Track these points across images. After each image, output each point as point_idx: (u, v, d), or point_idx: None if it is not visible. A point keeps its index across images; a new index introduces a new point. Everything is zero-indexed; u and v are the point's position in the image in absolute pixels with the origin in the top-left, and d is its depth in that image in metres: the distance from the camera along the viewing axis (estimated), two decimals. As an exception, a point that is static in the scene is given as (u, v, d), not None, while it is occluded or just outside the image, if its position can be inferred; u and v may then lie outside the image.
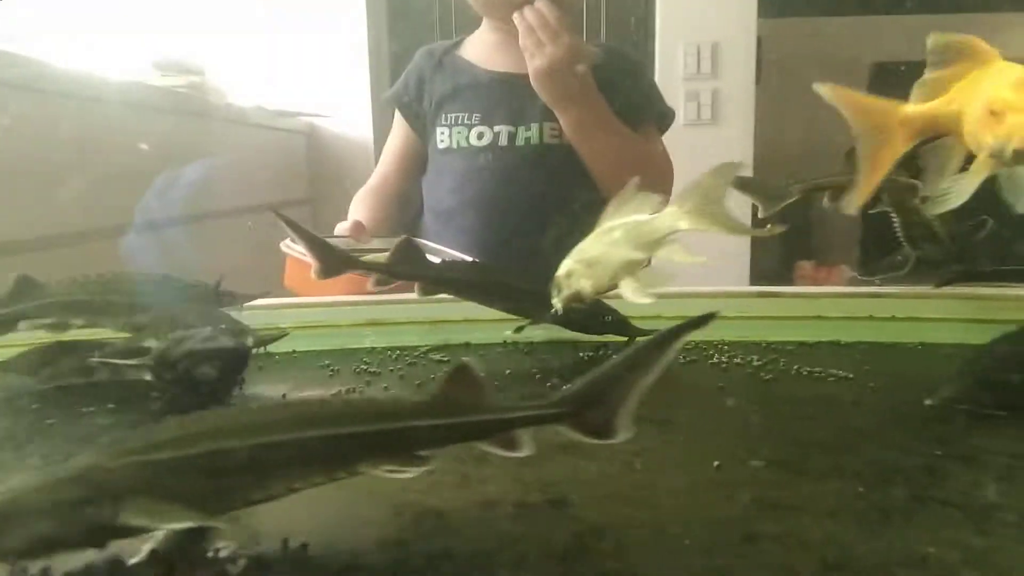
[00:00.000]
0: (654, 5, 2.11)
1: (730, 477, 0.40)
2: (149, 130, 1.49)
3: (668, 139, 1.10)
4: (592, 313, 0.61)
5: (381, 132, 2.23)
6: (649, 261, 0.49)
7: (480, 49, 1.10)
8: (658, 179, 1.02)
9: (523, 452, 0.34)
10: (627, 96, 1.03)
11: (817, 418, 0.49)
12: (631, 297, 0.48)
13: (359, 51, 2.20)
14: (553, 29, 0.92)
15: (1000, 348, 0.51)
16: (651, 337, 0.35)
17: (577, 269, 0.51)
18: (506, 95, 1.05)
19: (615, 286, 0.49)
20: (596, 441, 0.34)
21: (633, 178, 0.51)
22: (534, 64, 0.94)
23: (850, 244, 2.36)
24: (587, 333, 0.64)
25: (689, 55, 2.08)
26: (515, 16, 0.94)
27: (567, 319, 0.60)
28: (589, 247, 0.51)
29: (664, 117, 1.10)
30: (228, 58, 2.06)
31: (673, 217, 0.46)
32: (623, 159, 0.99)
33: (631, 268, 0.48)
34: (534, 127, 1.03)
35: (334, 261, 0.58)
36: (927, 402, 0.48)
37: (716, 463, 0.41)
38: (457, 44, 1.12)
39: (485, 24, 1.10)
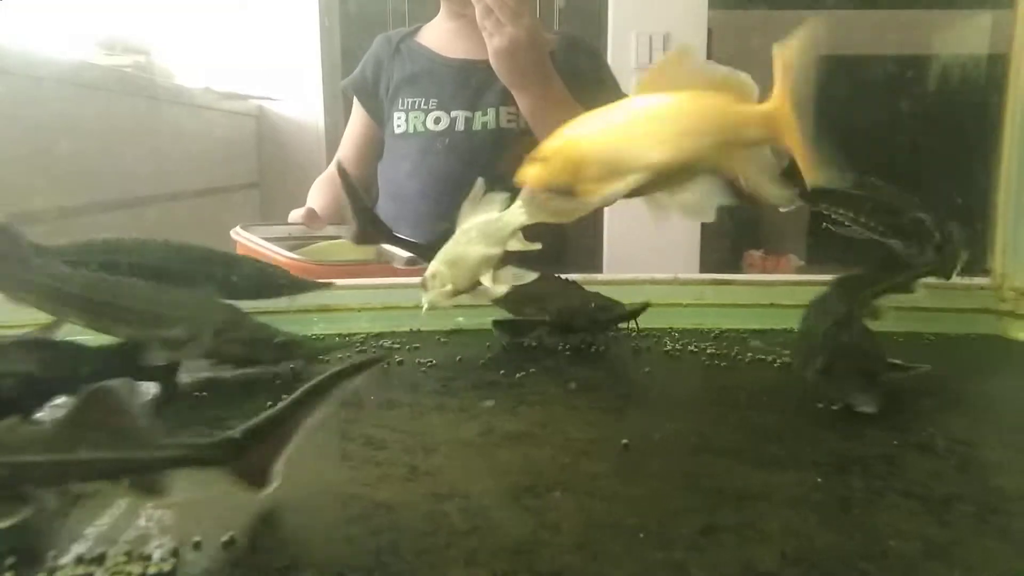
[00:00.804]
0: (607, -6, 2.12)
1: (687, 468, 0.41)
2: (93, 110, 1.44)
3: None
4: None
5: (332, 115, 2.20)
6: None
7: (437, 36, 1.10)
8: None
9: (263, 490, 0.32)
10: (583, 82, 1.03)
11: (772, 407, 0.50)
12: (491, 291, 0.52)
13: (310, 33, 2.16)
14: (512, 9, 0.91)
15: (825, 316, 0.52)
16: (313, 383, 0.33)
17: (441, 270, 0.53)
18: (463, 80, 1.05)
19: (478, 282, 0.52)
20: (246, 491, 0.32)
21: (479, 179, 0.55)
22: (493, 43, 0.93)
23: (798, 233, 2.42)
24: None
25: (641, 45, 2.10)
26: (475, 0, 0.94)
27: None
28: (451, 248, 0.54)
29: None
30: (176, 38, 2.00)
31: (517, 213, 0.51)
32: None
33: (488, 263, 0.52)
34: (491, 112, 1.03)
35: (372, 233, 0.64)
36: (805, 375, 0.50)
37: (624, 441, 0.42)
38: (415, 31, 1.12)
39: (443, 11, 1.10)
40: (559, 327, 0.63)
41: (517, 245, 0.51)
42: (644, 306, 0.64)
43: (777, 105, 0.42)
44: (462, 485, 0.37)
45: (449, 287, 0.52)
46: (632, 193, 0.44)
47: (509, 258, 0.53)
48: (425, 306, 0.53)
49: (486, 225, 0.52)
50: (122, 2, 1.84)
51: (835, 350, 0.48)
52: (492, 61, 0.95)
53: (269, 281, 0.59)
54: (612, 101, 1.25)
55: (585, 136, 0.45)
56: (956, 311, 0.68)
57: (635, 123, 0.44)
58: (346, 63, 2.24)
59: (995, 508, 0.35)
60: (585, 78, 1.04)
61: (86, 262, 0.52)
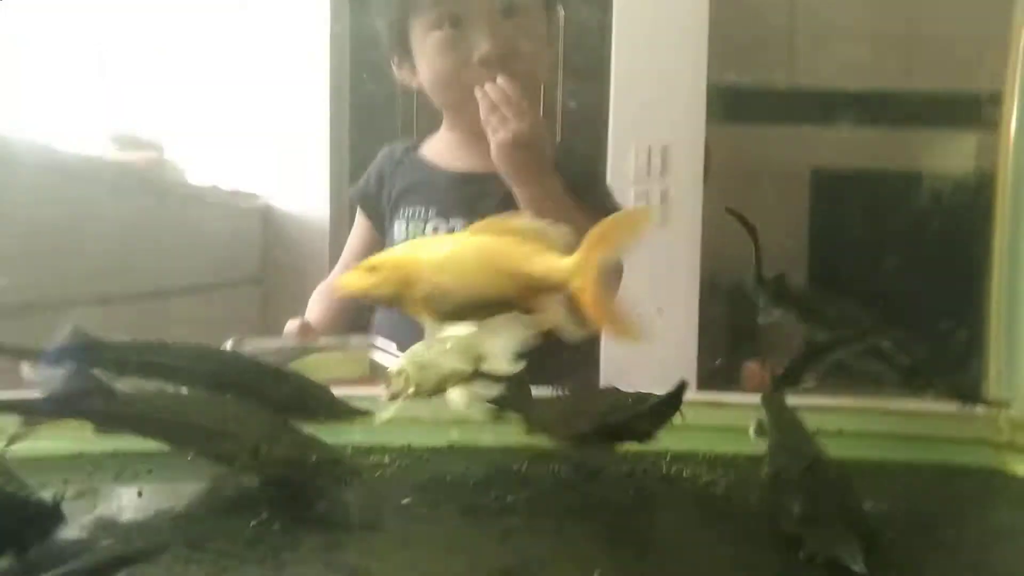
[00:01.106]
0: (607, 108, 2.21)
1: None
2: (106, 205, 1.47)
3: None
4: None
5: (337, 215, 2.25)
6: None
7: (438, 148, 1.14)
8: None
9: None
10: (578, 191, 1.05)
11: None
12: (460, 406, 0.51)
13: (320, 137, 2.23)
14: (516, 104, 0.94)
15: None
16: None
17: (408, 370, 0.52)
18: (461, 190, 1.08)
19: (442, 391, 0.52)
20: None
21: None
22: (497, 138, 0.95)
23: (796, 344, 2.42)
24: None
25: (640, 156, 2.16)
26: (477, 91, 0.96)
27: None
28: (422, 351, 0.53)
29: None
30: (186, 135, 2.06)
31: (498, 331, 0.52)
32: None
33: (456, 378, 0.52)
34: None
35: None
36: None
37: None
38: (417, 144, 1.17)
39: (444, 123, 1.14)
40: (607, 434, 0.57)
41: (497, 366, 0.51)
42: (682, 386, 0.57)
43: (578, 262, 0.48)
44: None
45: (411, 390, 0.52)
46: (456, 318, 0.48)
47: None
48: (385, 402, 0.52)
49: (465, 339, 0.52)
50: (137, 99, 1.92)
51: (813, 496, 0.46)
52: (494, 155, 0.96)
53: (311, 401, 0.59)
54: (605, 212, 1.27)
55: (411, 258, 0.49)
56: (953, 441, 0.67)
57: (449, 255, 0.51)
58: (354, 168, 2.30)
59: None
60: (583, 188, 1.07)
61: (142, 364, 0.53)
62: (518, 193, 1.00)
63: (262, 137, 2.17)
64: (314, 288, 1.28)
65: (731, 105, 2.68)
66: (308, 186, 2.23)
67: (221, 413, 0.52)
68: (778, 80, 2.93)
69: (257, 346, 0.94)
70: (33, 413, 0.51)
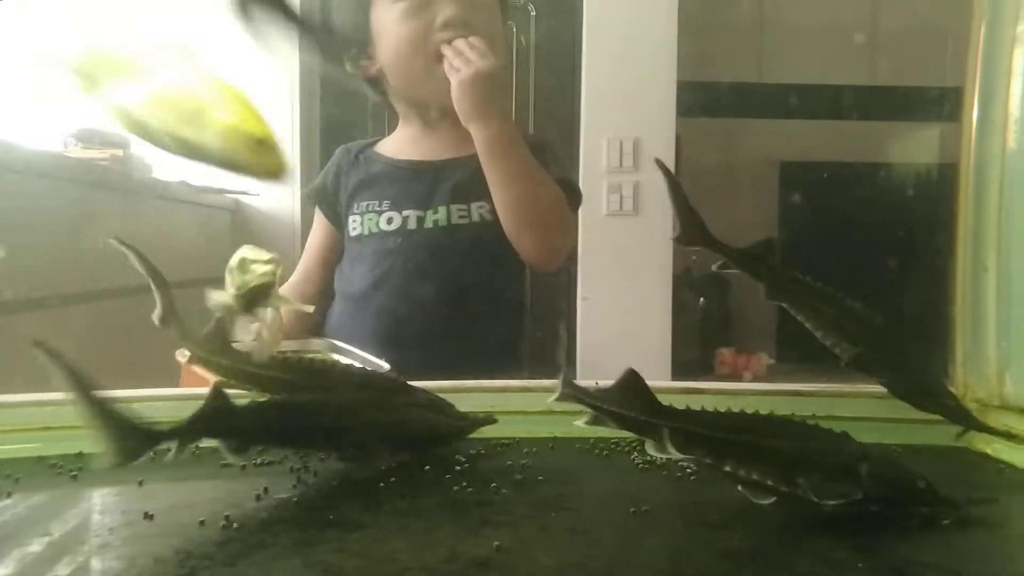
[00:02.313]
0: (579, 102, 2.22)
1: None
2: (68, 202, 1.45)
3: (593, 228, 1.13)
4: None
5: (307, 211, 2.23)
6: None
7: (393, 144, 1.16)
8: (556, 222, 1.04)
9: None
10: (545, 166, 1.05)
11: (747, 526, 0.49)
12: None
13: (290, 132, 2.21)
14: (482, 50, 0.96)
15: None
16: None
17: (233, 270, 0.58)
18: (414, 181, 1.09)
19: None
20: None
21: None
22: (459, 76, 0.96)
23: (768, 331, 2.46)
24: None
25: (612, 150, 2.17)
26: (443, 48, 0.98)
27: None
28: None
29: (574, 190, 1.12)
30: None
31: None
32: (527, 190, 1.01)
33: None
34: (441, 210, 1.06)
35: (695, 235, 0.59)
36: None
37: None
38: (373, 142, 1.18)
39: (400, 120, 1.15)
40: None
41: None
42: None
43: None
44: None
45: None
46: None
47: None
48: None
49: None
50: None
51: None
52: (454, 94, 0.98)
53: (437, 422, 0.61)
54: (567, 186, 1.25)
55: None
56: (921, 422, 0.68)
57: None
58: (324, 162, 2.29)
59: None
60: (547, 165, 1.06)
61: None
62: (475, 134, 0.99)
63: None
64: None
65: (701, 100, 2.71)
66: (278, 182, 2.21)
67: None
68: (747, 75, 2.97)
69: None
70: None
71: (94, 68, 0.50)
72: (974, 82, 0.74)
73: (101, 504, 0.51)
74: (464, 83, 0.96)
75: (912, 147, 2.72)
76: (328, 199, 1.16)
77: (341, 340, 1.08)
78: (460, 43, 0.98)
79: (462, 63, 0.97)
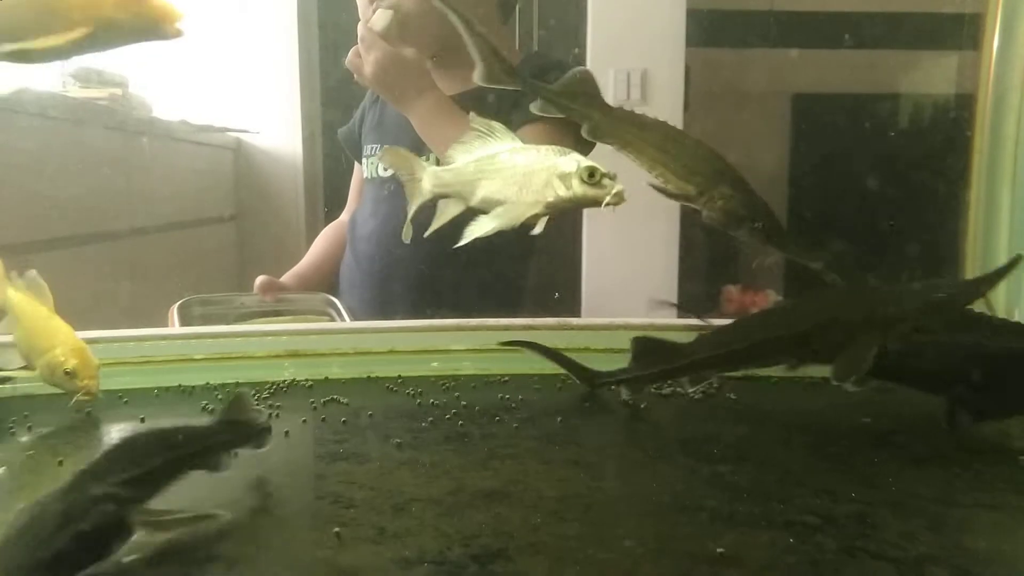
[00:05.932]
0: (585, 33, 2.16)
1: (662, 530, 0.40)
2: (67, 143, 1.43)
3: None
4: None
5: (310, 149, 2.20)
6: None
7: None
8: None
9: None
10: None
11: (748, 459, 0.50)
12: None
13: (290, 67, 2.17)
14: (367, 41, 0.95)
15: None
16: None
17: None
18: (407, 126, 1.07)
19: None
20: None
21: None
22: (363, 73, 0.96)
23: (775, 268, 2.44)
24: None
25: (619, 81, 2.12)
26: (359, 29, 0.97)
27: None
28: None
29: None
30: (153, 70, 1.99)
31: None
32: None
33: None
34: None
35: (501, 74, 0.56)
36: None
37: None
38: None
39: None
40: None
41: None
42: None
43: None
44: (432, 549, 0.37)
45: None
46: None
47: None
48: None
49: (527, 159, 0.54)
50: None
51: None
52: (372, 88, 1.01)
53: None
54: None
55: None
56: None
57: None
58: (324, 97, 2.25)
59: (968, 571, 0.35)
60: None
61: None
62: (407, 115, 1.00)
63: (232, 70, 2.11)
64: (288, 224, 1.26)
65: (711, 29, 2.64)
66: (280, 119, 2.18)
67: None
68: (759, 3, 2.88)
69: (208, 308, 0.94)
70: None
71: None
72: (997, 8, 0.71)
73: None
74: (368, 80, 0.96)
75: (930, 76, 2.65)
76: (353, 139, 1.20)
77: (345, 283, 1.11)
78: (360, 28, 0.95)
79: (364, 51, 0.95)
